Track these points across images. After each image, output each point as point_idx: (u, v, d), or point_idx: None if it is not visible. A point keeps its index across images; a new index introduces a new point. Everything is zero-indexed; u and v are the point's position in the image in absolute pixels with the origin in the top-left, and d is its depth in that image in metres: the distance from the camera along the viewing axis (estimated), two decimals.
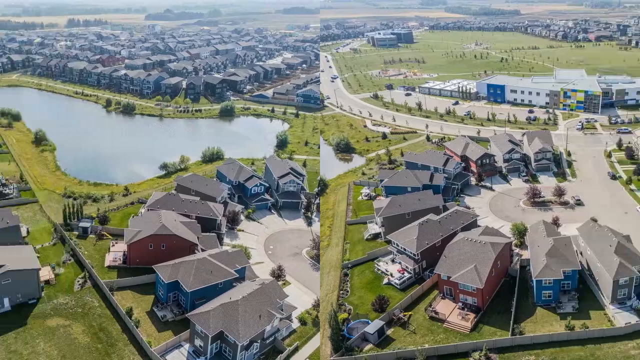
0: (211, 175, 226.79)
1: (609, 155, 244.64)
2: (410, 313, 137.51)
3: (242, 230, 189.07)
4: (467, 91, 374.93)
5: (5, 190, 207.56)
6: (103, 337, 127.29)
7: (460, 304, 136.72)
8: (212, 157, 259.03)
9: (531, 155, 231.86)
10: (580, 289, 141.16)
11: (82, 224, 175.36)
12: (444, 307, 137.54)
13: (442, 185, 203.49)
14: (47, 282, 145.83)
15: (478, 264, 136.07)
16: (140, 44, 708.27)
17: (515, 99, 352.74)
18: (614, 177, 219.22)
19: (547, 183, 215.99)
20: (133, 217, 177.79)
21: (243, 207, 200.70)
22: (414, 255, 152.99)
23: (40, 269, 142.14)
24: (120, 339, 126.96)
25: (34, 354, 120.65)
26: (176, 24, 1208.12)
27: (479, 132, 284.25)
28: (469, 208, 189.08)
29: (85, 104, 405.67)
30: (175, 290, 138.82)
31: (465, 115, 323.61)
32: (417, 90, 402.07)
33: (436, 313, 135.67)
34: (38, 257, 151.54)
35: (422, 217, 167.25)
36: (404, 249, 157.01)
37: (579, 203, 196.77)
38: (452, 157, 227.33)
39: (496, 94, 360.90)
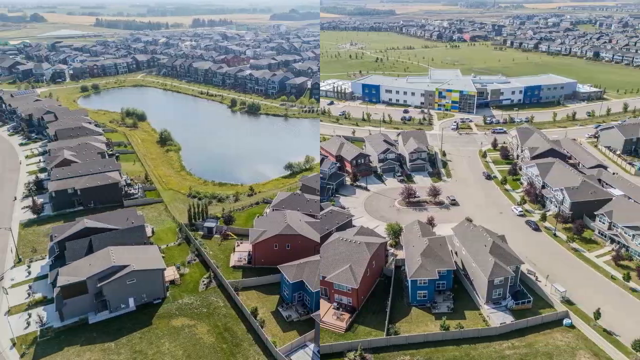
0: None
1: (484, 155, 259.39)
2: None
3: None
4: (342, 91, 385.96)
5: (130, 190, 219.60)
6: (228, 337, 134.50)
7: (335, 304, 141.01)
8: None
9: (406, 155, 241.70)
10: (455, 289, 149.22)
11: (207, 224, 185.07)
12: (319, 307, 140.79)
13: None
14: (172, 282, 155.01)
15: (353, 264, 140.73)
16: (265, 44, 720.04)
17: (390, 99, 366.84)
18: (488, 177, 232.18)
19: (422, 183, 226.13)
20: (258, 217, 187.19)
21: None
22: None
23: (165, 269, 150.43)
24: (245, 339, 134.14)
25: (159, 354, 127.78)
26: (301, 23, 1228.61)
27: (354, 132, 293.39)
28: (344, 208, 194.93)
29: (210, 104, 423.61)
30: (300, 290, 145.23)
31: (340, 115, 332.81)
32: None
33: None
34: (163, 257, 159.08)
35: None
36: None
37: (454, 203, 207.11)
38: (327, 157, 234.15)
39: (371, 94, 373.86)
